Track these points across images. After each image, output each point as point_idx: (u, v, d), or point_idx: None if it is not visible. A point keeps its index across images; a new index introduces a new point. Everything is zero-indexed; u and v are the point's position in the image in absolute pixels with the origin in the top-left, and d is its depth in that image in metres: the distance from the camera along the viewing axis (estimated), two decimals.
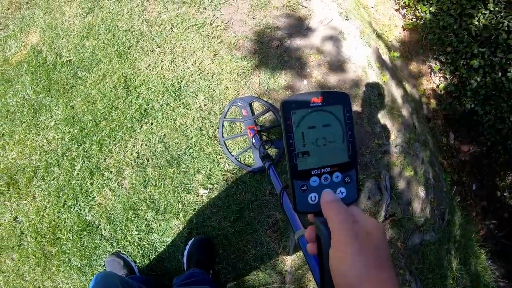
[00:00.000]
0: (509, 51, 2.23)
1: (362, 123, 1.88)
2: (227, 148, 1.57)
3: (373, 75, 2.03)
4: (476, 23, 2.30)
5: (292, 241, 1.53)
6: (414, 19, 2.69)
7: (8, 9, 2.23)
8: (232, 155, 1.57)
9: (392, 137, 1.96)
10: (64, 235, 1.67)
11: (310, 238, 0.42)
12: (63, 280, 1.58)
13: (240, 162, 1.57)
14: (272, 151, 1.60)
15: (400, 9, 2.75)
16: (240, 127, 1.60)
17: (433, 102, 2.59)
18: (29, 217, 1.76)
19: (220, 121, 1.58)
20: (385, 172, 1.86)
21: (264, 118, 1.63)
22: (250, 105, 1.60)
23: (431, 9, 2.58)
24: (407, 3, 2.71)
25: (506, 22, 2.19)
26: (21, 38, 2.07)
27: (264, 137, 1.54)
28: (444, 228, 2.09)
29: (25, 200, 1.81)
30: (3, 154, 1.89)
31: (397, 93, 2.19)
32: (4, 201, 1.84)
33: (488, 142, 2.49)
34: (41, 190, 1.76)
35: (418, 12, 2.67)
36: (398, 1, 2.74)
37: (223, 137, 1.58)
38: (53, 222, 1.71)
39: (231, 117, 1.60)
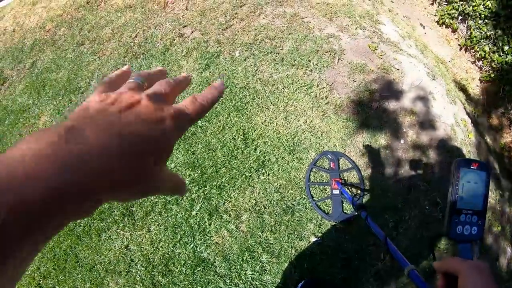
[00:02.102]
0: None
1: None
2: (310, 192, 1.81)
3: (460, 133, 2.22)
4: None
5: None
6: (490, 71, 2.87)
7: (124, 56, 2.65)
8: (314, 200, 1.80)
9: None
10: (177, 268, 1.93)
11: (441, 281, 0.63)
12: None
13: (319, 208, 1.80)
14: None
15: (476, 61, 2.94)
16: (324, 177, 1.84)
17: None
18: (141, 247, 2.04)
19: (309, 166, 1.84)
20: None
21: (347, 173, 1.86)
22: (338, 160, 1.85)
23: (507, 59, 2.76)
24: (482, 55, 2.90)
25: None
26: None
27: (348, 191, 1.78)
28: None
29: (140, 231, 2.09)
30: None
31: (481, 148, 2.36)
32: (117, 229, 2.14)
33: None
34: (157, 225, 2.04)
35: (495, 64, 2.85)
36: (473, 54, 2.93)
37: (308, 181, 1.82)
38: (166, 255, 1.98)
39: (319, 166, 1.85)
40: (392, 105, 2.07)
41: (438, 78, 2.36)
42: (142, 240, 2.05)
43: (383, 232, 1.11)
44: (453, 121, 2.22)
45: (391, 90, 2.13)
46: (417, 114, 2.10)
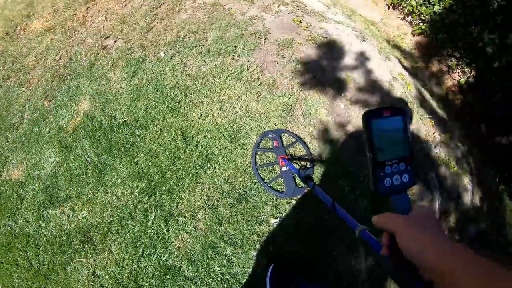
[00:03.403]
0: None
1: None
2: (260, 176, 1.82)
3: (399, 87, 2.28)
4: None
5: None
6: (421, 24, 2.96)
7: (52, 81, 2.55)
8: (265, 182, 1.80)
9: (430, 139, 2.18)
10: (147, 282, 1.89)
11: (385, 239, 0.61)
12: None
13: (273, 189, 1.81)
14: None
15: (405, 17, 3.04)
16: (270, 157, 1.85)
17: (458, 97, 2.83)
18: (107, 270, 1.99)
19: (253, 151, 1.84)
20: (431, 173, 2.08)
21: (293, 148, 1.88)
22: (280, 137, 1.86)
23: (434, 9, 2.86)
24: (410, 10, 2.99)
25: None
26: (72, 107, 2.37)
27: (296, 165, 1.79)
28: (497, 215, 2.27)
29: (102, 254, 2.04)
30: (73, 215, 2.14)
31: (424, 97, 2.44)
32: (80, 258, 2.07)
33: None
34: (118, 243, 1.99)
35: (423, 16, 2.95)
36: (402, 10, 3.02)
37: (255, 165, 1.83)
38: (133, 272, 1.94)
39: (263, 147, 1.86)
40: (325, 72, 2.10)
41: (368, 39, 2.42)
42: (107, 262, 2.00)
43: (331, 198, 1.12)
44: (390, 77, 2.28)
45: (322, 59, 2.15)
46: (352, 77, 2.14)
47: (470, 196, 2.17)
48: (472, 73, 2.79)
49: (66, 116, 2.38)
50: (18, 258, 2.09)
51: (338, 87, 2.06)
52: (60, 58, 2.61)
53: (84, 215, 2.11)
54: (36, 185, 2.31)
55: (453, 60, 2.81)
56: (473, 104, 2.76)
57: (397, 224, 0.53)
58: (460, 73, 2.82)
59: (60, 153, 2.30)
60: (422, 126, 2.19)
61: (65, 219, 2.16)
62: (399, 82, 2.30)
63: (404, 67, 2.49)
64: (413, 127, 2.15)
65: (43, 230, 2.18)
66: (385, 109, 0.60)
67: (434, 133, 2.20)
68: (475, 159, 2.32)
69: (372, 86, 2.15)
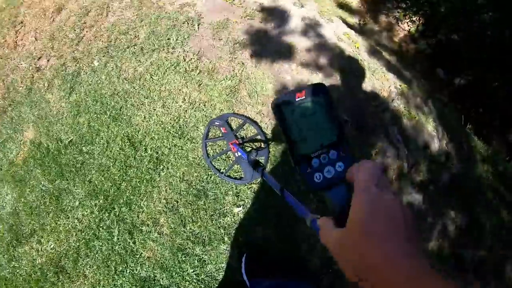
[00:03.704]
0: None
1: (354, 93, 2.05)
2: (215, 168, 1.74)
3: (346, 46, 2.21)
4: None
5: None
6: None
7: None
8: (222, 173, 1.73)
9: (386, 94, 2.13)
10: None
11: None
12: None
13: (231, 178, 1.73)
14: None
15: None
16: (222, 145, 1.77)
17: (411, 47, 2.77)
18: None
19: (202, 143, 1.75)
20: (392, 127, 2.03)
21: (244, 130, 1.80)
22: (227, 121, 1.78)
23: None
24: None
25: None
26: (17, 138, 2.25)
27: (248, 148, 1.72)
28: (468, 157, 2.24)
29: (78, 281, 1.96)
30: (41, 248, 2.05)
31: (375, 53, 2.37)
32: None
33: (474, 64, 2.67)
34: (90, 267, 1.91)
35: None
36: None
37: (208, 158, 1.75)
38: None
39: (212, 137, 1.78)
40: (266, 47, 2.02)
41: (307, 4, 2.33)
42: None
43: (279, 184, 1.04)
44: (335, 39, 2.21)
45: (260, 33, 2.07)
46: (295, 46, 2.06)
47: (437, 143, 2.12)
48: (420, 21, 2.73)
49: (14, 149, 2.26)
50: None
51: (281, 59, 1.98)
52: None
53: (51, 246, 2.03)
54: (0, 226, 2.21)
55: (400, 11, 2.75)
56: (426, 52, 2.71)
57: (329, 241, 0.43)
58: (409, 23, 2.77)
59: (16, 188, 2.19)
60: (376, 81, 2.13)
61: (35, 254, 2.07)
62: (345, 42, 2.22)
63: (350, 26, 2.42)
64: (366, 84, 2.08)
65: (17, 270, 2.09)
66: (297, 91, 0.51)
67: (389, 86, 2.15)
68: (436, 106, 2.28)
69: (318, 51, 2.08)
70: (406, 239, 0.35)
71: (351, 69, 2.11)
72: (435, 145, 2.11)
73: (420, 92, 2.31)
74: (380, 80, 2.15)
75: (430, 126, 2.14)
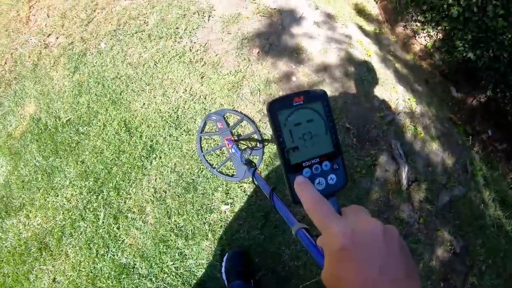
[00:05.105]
0: None
1: (359, 101, 2.02)
2: (207, 162, 1.72)
3: (358, 53, 2.17)
4: None
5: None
6: None
7: None
8: (214, 168, 1.71)
9: (393, 106, 2.08)
10: (104, 284, 1.82)
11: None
12: None
13: (223, 174, 1.71)
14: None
15: None
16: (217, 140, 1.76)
17: (426, 62, 2.72)
18: (66, 275, 1.92)
19: (197, 136, 1.74)
20: (395, 141, 1.98)
21: (241, 127, 1.78)
22: (224, 117, 1.76)
23: None
24: None
25: None
26: (18, 112, 2.28)
27: (243, 146, 1.70)
28: (470, 180, 2.17)
29: (59, 260, 1.97)
30: (28, 223, 2.07)
31: (387, 63, 2.33)
32: (40, 265, 2.01)
33: (490, 85, 2.60)
34: (72, 246, 1.92)
35: None
36: None
37: (201, 151, 1.74)
38: (90, 274, 1.87)
39: (208, 131, 1.77)
40: (275, 45, 2.00)
41: (321, 6, 2.31)
42: (65, 267, 1.93)
43: (270, 187, 1.00)
44: (347, 44, 2.18)
45: (270, 31, 2.05)
46: (304, 48, 2.03)
47: (440, 162, 2.07)
48: (438, 36, 2.68)
49: (13, 122, 2.29)
50: None
51: (288, 59, 1.96)
52: (5, 63, 2.52)
53: (38, 222, 2.04)
54: None
55: (418, 25, 2.70)
56: (441, 68, 2.66)
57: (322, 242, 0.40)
58: (426, 37, 2.71)
59: (11, 161, 2.22)
60: (384, 92, 2.09)
61: (22, 228, 2.09)
62: (357, 48, 2.19)
63: (365, 33, 2.38)
64: (374, 93, 2.05)
65: (3, 242, 2.11)
66: (295, 95, 0.48)
67: (397, 99, 2.10)
68: (444, 124, 2.22)
69: (327, 55, 2.05)
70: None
71: (359, 77, 2.08)
72: (438, 165, 2.06)
73: (429, 109, 2.25)
74: (388, 92, 2.11)
75: (435, 144, 2.09)
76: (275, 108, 0.47)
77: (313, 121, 0.48)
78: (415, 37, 2.73)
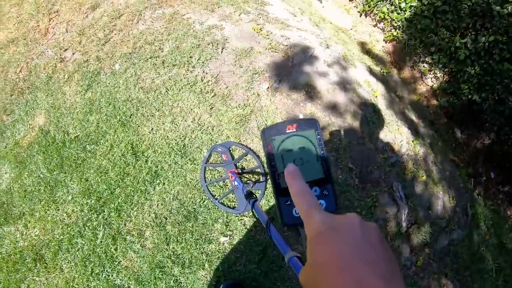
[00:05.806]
0: (490, 34, 2.46)
1: (364, 141, 2.08)
2: (210, 193, 1.77)
3: (365, 93, 2.25)
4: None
5: None
6: (393, 30, 2.95)
7: (11, 95, 2.54)
8: (216, 199, 1.76)
9: (396, 148, 2.14)
10: None
11: None
12: None
13: (224, 205, 1.76)
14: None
15: (377, 23, 3.02)
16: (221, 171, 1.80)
17: (431, 103, 2.79)
18: None
19: (202, 166, 1.79)
20: (397, 183, 2.03)
21: (246, 161, 1.83)
22: (230, 149, 1.82)
23: (405, 16, 2.85)
24: (382, 17, 2.98)
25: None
26: (28, 121, 2.35)
27: (245, 179, 1.75)
28: (470, 223, 2.22)
29: (53, 273, 2.00)
30: (26, 233, 2.10)
31: (393, 104, 2.40)
32: (33, 276, 2.03)
33: (494, 127, 2.67)
34: (68, 262, 1.95)
35: (395, 22, 2.93)
36: (374, 17, 3.01)
37: (205, 182, 1.78)
38: None
39: (213, 162, 1.82)
40: (285, 82, 2.07)
41: (332, 46, 2.40)
42: (58, 282, 1.96)
43: (267, 217, 1.05)
44: (355, 84, 2.25)
45: (281, 68, 2.13)
46: (313, 85, 2.11)
47: (441, 205, 2.11)
48: (445, 78, 2.76)
49: (22, 131, 2.36)
50: None
51: (297, 96, 2.03)
52: (20, 71, 2.61)
53: (36, 233, 2.08)
54: None
55: (426, 66, 2.79)
56: (446, 109, 2.73)
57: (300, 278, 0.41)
58: (433, 78, 2.80)
59: (15, 169, 2.27)
60: (389, 133, 2.15)
61: (19, 237, 2.13)
62: (364, 89, 2.26)
63: (372, 74, 2.46)
64: (378, 134, 2.11)
65: None
66: (288, 123, 0.52)
67: (401, 140, 2.16)
68: (447, 166, 2.28)
69: (335, 94, 2.12)
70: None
71: (365, 117, 2.14)
72: (438, 207, 2.10)
73: (433, 151, 2.31)
74: (393, 133, 2.17)
75: (436, 187, 2.14)
76: (269, 134, 0.51)
77: (305, 148, 0.52)
78: (422, 78, 2.82)
